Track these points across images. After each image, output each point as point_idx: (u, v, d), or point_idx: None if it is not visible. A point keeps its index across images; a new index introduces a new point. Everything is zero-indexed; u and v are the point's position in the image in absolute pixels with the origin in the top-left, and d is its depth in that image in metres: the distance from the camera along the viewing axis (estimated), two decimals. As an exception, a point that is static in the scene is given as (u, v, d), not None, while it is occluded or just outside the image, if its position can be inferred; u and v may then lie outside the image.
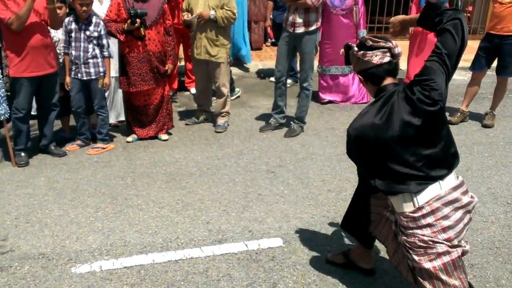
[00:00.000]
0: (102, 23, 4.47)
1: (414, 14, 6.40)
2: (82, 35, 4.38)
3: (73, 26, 4.38)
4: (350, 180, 4.03)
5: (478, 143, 4.90)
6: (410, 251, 2.21)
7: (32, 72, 4.11)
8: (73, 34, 4.39)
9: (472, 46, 5.43)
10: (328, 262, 2.95)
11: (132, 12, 4.38)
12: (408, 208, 2.20)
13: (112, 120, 5.19)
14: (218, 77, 5.05)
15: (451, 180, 2.22)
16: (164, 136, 4.93)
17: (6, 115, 4.17)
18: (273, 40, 8.38)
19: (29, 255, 3.00)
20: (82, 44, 4.39)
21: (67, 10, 4.60)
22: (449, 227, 2.15)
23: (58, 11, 4.36)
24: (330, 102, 6.21)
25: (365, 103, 6.14)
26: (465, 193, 2.24)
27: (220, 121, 5.24)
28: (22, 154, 4.31)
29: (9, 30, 3.95)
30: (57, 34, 4.55)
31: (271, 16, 7.41)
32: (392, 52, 2.30)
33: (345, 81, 6.17)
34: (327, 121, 5.52)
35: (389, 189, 2.24)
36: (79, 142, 4.69)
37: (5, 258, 2.97)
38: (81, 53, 4.40)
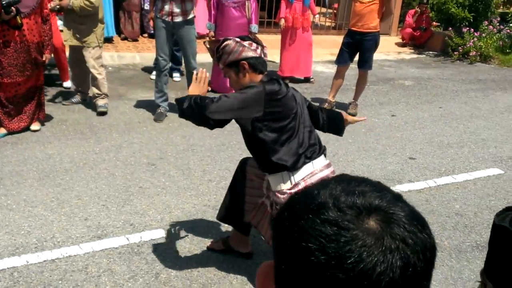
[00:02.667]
0: None
1: (283, 11, 6.77)
2: None
3: None
4: (230, 170, 4.18)
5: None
6: None
7: None
8: None
9: (338, 41, 5.92)
10: (209, 249, 3.06)
11: (4, 2, 4.07)
12: (285, 186, 2.41)
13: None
14: (90, 61, 5.11)
15: (321, 160, 2.48)
16: (35, 127, 4.68)
17: None
18: (152, 31, 8.24)
19: None
20: None
21: None
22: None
23: None
24: (213, 91, 6.33)
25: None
26: (333, 172, 2.53)
27: (100, 102, 5.30)
28: None
29: None
30: None
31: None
32: (265, 51, 2.52)
33: None
34: (206, 113, 5.63)
35: (268, 169, 2.44)
36: None
37: None
38: None
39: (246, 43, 2.49)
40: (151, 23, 5.53)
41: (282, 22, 6.79)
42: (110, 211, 3.44)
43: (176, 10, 4.96)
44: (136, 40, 8.30)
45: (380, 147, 4.95)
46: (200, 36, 8.71)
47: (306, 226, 0.61)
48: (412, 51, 10.31)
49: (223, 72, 2.61)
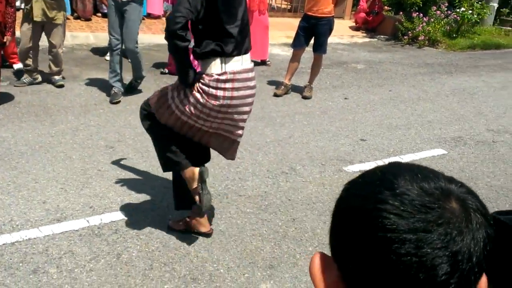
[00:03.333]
0: None
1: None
2: None
3: None
4: (188, 152, 4.25)
5: (299, 113, 5.53)
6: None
7: None
8: None
9: (294, 24, 6.04)
10: (169, 229, 3.15)
11: None
12: (216, 70, 2.64)
13: None
14: (56, 37, 5.26)
15: (248, 62, 2.76)
16: None
17: None
18: (105, 11, 8.08)
19: None
20: None
21: None
22: (236, 98, 2.68)
23: None
24: (170, 73, 6.32)
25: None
26: (254, 78, 2.79)
27: (57, 77, 5.50)
28: None
29: None
30: None
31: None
32: None
33: None
34: (164, 95, 5.65)
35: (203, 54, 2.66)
36: None
37: None
38: None
39: None
40: (104, 1, 5.49)
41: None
42: (68, 194, 3.45)
43: None
44: (89, 20, 8.12)
45: (334, 129, 5.15)
46: (155, 17, 8.63)
47: (385, 213, 0.59)
48: (365, 35, 10.58)
49: None
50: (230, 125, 2.83)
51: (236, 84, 2.68)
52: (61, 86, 5.47)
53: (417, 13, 9.88)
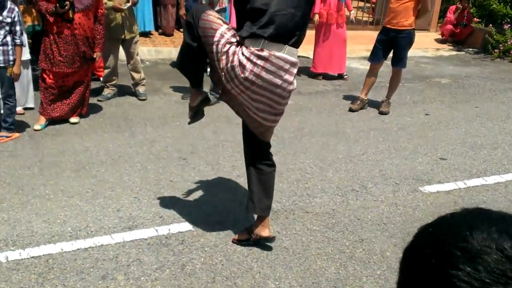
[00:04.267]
0: (17, 9, 4.32)
1: (318, 6, 6.75)
2: None
3: None
4: (258, 166, 4.25)
5: (374, 129, 5.35)
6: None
7: None
8: None
9: (375, 37, 5.88)
10: (234, 243, 3.16)
11: None
12: (256, 46, 2.63)
13: (18, 108, 5.00)
14: (133, 49, 5.66)
15: (292, 54, 2.70)
16: (74, 119, 4.92)
17: None
18: None
19: None
20: None
21: None
22: (261, 79, 2.65)
23: None
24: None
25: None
26: (293, 74, 2.73)
27: (142, 89, 5.85)
28: None
29: None
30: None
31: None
32: None
33: None
34: (238, 109, 5.73)
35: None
36: (-19, 130, 4.50)
37: None
38: None
39: None
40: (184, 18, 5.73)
41: (316, 17, 6.78)
42: (141, 203, 3.58)
43: (204, 2, 5.30)
44: (172, 35, 8.47)
45: (411, 146, 4.91)
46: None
47: (456, 280, 0.52)
48: (451, 48, 10.08)
49: None
50: (247, 101, 2.77)
51: (268, 66, 2.64)
52: (144, 99, 5.74)
53: (509, 25, 9.24)
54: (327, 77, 7.15)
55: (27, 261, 2.87)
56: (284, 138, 4.91)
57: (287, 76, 2.70)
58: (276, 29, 2.63)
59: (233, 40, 2.70)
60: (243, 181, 3.98)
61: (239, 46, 2.68)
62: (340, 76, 7.24)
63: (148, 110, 5.48)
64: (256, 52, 2.62)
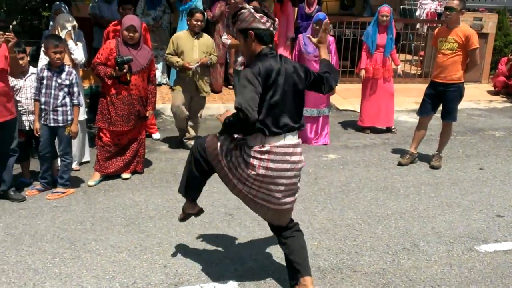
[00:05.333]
0: (74, 71, 4.62)
1: (364, 61, 6.83)
2: (54, 83, 4.48)
3: (46, 73, 4.49)
4: (304, 221, 4.20)
5: (425, 183, 5.19)
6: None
7: (-8, 119, 4.18)
8: (44, 81, 4.49)
9: (423, 90, 5.84)
10: (280, 303, 3.08)
11: (119, 60, 4.63)
12: (257, 144, 2.86)
13: (74, 164, 5.23)
14: (200, 107, 6.05)
15: (291, 138, 2.91)
16: (126, 175, 5.08)
17: (-35, 161, 4.19)
18: None
19: (-17, 303, 3.01)
20: (52, 92, 4.49)
21: (29, 59, 4.73)
22: (271, 170, 2.85)
23: (20, 61, 4.50)
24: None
25: (324, 144, 6.42)
26: (298, 153, 2.93)
27: (191, 144, 5.95)
28: (-20, 199, 4.32)
29: (-30, 78, 4.03)
30: (18, 82, 4.66)
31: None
32: (275, 25, 2.93)
33: (312, 123, 6.44)
34: (285, 163, 5.73)
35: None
36: (39, 186, 4.72)
37: (-42, 307, 2.97)
38: (51, 100, 4.49)
39: (258, 15, 2.85)
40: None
41: (363, 73, 6.83)
42: (187, 259, 3.59)
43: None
44: (220, 92, 8.73)
45: (466, 202, 4.72)
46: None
47: None
48: (505, 99, 9.79)
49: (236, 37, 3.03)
50: (266, 194, 2.94)
51: (272, 157, 2.84)
52: None
53: None
54: (375, 130, 7.09)
55: (76, 317, 2.91)
56: (331, 193, 4.85)
57: (293, 158, 2.90)
58: (275, 125, 2.84)
59: (232, 145, 2.99)
60: (289, 238, 3.93)
61: (241, 149, 2.94)
62: (388, 130, 7.16)
63: (197, 165, 5.58)
64: (258, 149, 2.85)
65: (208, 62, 5.79)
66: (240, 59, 5.82)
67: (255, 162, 2.85)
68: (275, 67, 2.81)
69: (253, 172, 2.86)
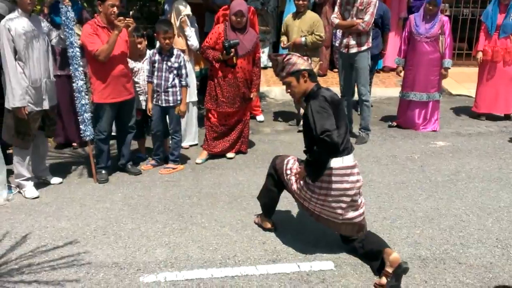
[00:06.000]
0: (182, 54, 4.91)
1: (482, 43, 6.36)
2: (164, 66, 4.81)
3: (157, 57, 4.83)
4: (407, 209, 4.08)
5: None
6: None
7: (113, 99, 4.58)
8: (156, 65, 4.83)
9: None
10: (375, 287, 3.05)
11: (226, 44, 4.85)
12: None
13: (184, 143, 5.58)
14: None
15: (348, 160, 3.22)
16: (230, 155, 5.30)
17: (91, 137, 4.66)
18: None
19: (104, 264, 3.36)
20: (163, 74, 4.82)
21: (146, 43, 5.10)
22: (333, 189, 3.21)
23: (139, 45, 4.87)
24: (398, 126, 6.27)
25: (433, 131, 6.13)
26: (355, 173, 3.22)
27: None
28: (103, 171, 4.78)
29: (95, 61, 4.44)
30: (137, 65, 5.04)
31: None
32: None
33: (421, 108, 6.18)
34: (389, 149, 5.58)
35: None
36: (153, 162, 5.11)
37: (83, 266, 3.35)
38: (162, 82, 4.83)
39: (305, 57, 3.38)
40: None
41: (480, 55, 6.38)
42: (286, 238, 3.68)
43: (352, 42, 5.60)
44: (325, 75, 8.66)
45: None
46: (391, 69, 8.71)
47: None
48: None
49: (284, 80, 3.32)
50: (329, 211, 3.28)
51: (333, 178, 3.18)
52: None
53: None
54: (491, 117, 6.61)
55: (182, 283, 3.14)
56: (438, 182, 4.64)
57: (352, 178, 3.21)
58: (346, 145, 3.21)
59: (296, 166, 3.43)
60: (388, 224, 3.87)
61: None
62: (507, 117, 6.62)
63: (298, 147, 5.64)
64: (341, 171, 3.18)
65: (302, 41, 5.72)
66: (345, 40, 5.66)
67: (317, 183, 3.23)
68: (334, 95, 3.24)
69: (316, 192, 3.25)
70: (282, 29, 6.02)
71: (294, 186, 3.40)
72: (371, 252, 3.22)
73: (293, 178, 3.42)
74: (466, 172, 4.89)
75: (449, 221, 3.89)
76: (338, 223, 3.31)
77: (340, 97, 5.52)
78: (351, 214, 3.28)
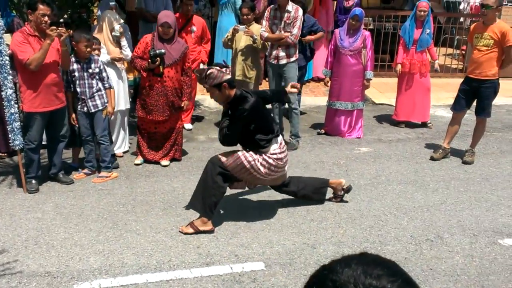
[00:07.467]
0: (99, 58, 4.99)
1: (400, 56, 6.87)
2: (85, 73, 4.85)
3: (75, 66, 4.84)
4: (332, 211, 4.38)
5: (456, 178, 5.24)
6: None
7: (44, 108, 4.54)
8: (76, 74, 4.84)
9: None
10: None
11: (151, 53, 4.94)
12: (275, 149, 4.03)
13: (117, 151, 5.59)
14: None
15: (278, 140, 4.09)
16: (165, 162, 5.39)
17: (20, 146, 4.58)
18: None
19: (36, 273, 3.36)
20: (86, 81, 4.86)
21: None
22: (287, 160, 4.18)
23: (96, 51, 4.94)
24: (326, 133, 6.62)
25: (357, 138, 6.53)
26: (283, 148, 4.09)
27: None
28: (33, 181, 4.71)
29: (26, 69, 4.39)
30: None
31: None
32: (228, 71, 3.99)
33: (346, 116, 6.57)
34: (317, 155, 5.90)
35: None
36: (85, 170, 5.09)
37: (15, 276, 3.33)
38: (87, 89, 4.86)
39: (224, 69, 3.84)
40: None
41: (399, 67, 6.88)
42: (219, 241, 3.84)
43: (282, 54, 5.96)
44: (260, 84, 8.92)
45: (494, 198, 4.76)
46: (320, 79, 9.13)
47: None
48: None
49: (208, 89, 3.92)
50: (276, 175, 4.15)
51: (284, 150, 4.13)
52: None
53: None
54: (410, 125, 7.14)
55: (116, 288, 3.21)
56: (360, 185, 4.99)
57: (282, 155, 4.09)
58: (276, 129, 4.07)
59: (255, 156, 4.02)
60: (315, 225, 4.12)
61: (261, 155, 3.99)
62: (424, 124, 7.18)
63: (232, 155, 5.82)
64: (278, 150, 4.02)
65: (254, 36, 5.93)
66: (274, 52, 5.98)
67: (282, 155, 4.07)
68: (253, 103, 3.85)
69: (281, 163, 4.06)
70: (228, 35, 6.19)
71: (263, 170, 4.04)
72: (313, 187, 4.42)
73: (261, 166, 4.01)
74: (385, 175, 5.29)
75: (369, 221, 4.22)
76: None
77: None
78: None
